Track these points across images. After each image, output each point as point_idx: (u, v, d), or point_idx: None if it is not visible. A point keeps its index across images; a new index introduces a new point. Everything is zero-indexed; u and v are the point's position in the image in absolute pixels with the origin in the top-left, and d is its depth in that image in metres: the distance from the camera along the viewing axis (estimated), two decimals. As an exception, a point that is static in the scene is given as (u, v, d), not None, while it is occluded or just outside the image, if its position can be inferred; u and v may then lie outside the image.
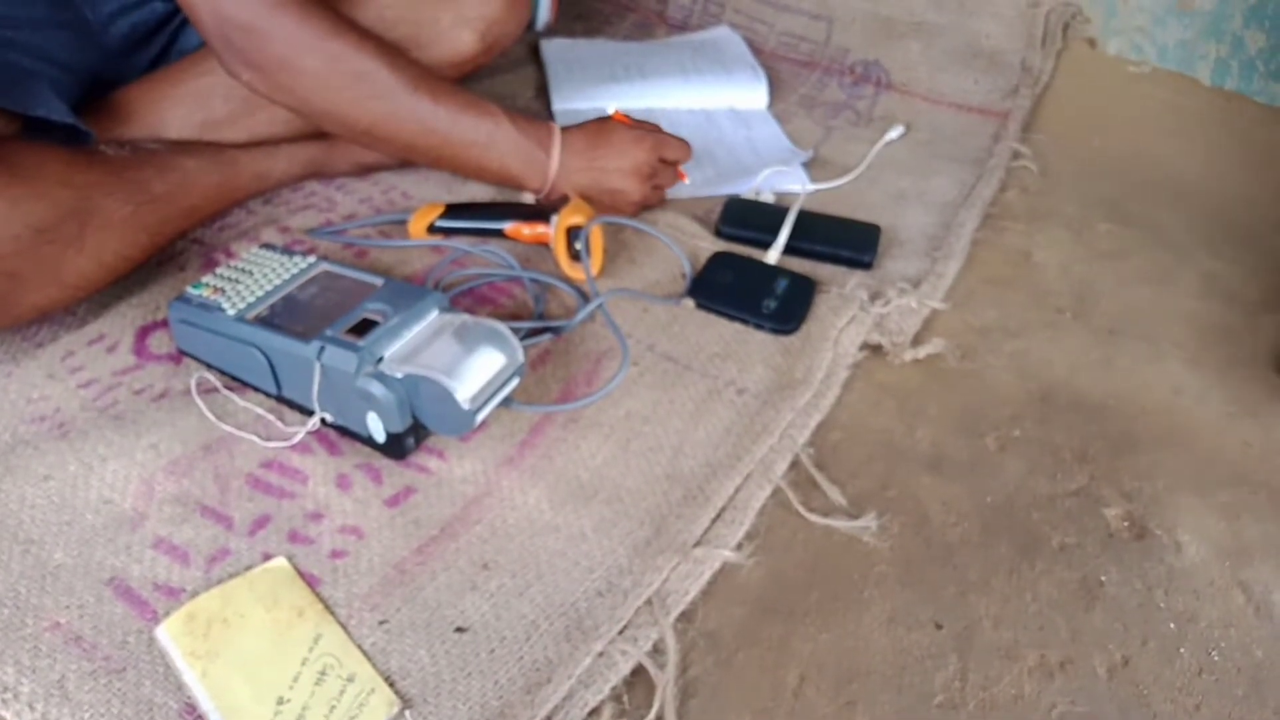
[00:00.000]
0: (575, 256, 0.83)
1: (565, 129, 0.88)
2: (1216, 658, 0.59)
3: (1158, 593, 0.63)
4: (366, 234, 0.88)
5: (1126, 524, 0.67)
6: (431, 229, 0.86)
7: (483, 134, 0.82)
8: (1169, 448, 0.73)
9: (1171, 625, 0.61)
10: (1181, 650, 0.60)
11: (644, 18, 1.36)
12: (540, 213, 0.85)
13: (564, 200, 0.85)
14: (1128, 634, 0.60)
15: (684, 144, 0.92)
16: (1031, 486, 0.70)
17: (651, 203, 0.93)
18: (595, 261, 0.84)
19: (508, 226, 0.86)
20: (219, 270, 0.73)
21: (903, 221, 0.95)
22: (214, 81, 0.83)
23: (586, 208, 0.85)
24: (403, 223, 0.88)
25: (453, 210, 0.87)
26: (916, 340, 0.81)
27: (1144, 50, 1.23)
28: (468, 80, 0.92)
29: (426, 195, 0.93)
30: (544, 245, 0.86)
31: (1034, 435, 0.74)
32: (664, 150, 0.90)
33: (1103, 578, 0.64)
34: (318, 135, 0.90)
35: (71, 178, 0.69)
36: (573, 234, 0.83)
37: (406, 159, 0.89)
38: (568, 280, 0.83)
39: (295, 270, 0.72)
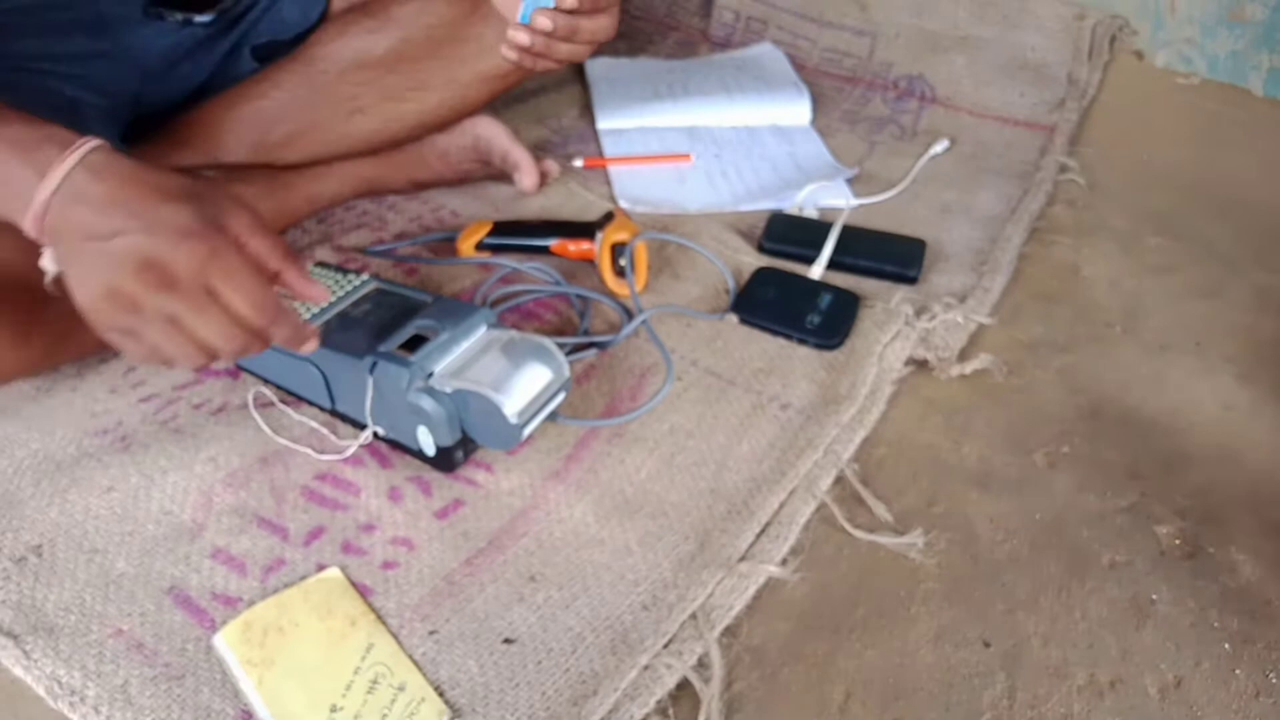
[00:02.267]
0: (620, 272, 0.84)
1: (114, 152, 0.56)
2: (1274, 680, 0.58)
3: (1211, 612, 0.62)
4: (417, 252, 0.90)
5: (1178, 542, 0.66)
6: (479, 246, 0.88)
7: None
8: (1221, 464, 0.72)
9: (1226, 646, 0.60)
10: (1237, 672, 0.58)
11: (687, 35, 1.37)
12: (585, 229, 0.86)
13: (608, 217, 0.86)
14: (1180, 654, 0.59)
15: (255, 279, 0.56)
16: (1081, 503, 0.69)
17: (164, 357, 0.56)
18: (640, 277, 0.84)
19: (553, 243, 0.87)
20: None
21: (948, 236, 0.95)
22: (268, 105, 0.86)
23: (631, 224, 0.86)
24: (451, 240, 0.90)
25: (500, 228, 0.88)
26: (963, 356, 0.81)
27: (1193, 62, 1.21)
28: (511, 94, 0.92)
29: (474, 213, 0.95)
30: (589, 261, 0.87)
31: (1083, 451, 0.73)
32: (220, 266, 0.54)
33: (1154, 596, 0.63)
34: (369, 155, 0.93)
35: None
36: (617, 250, 0.84)
37: None
38: (613, 296, 0.84)
39: (349, 288, 0.74)
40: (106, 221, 0.53)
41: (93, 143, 0.55)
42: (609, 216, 0.86)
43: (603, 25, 0.77)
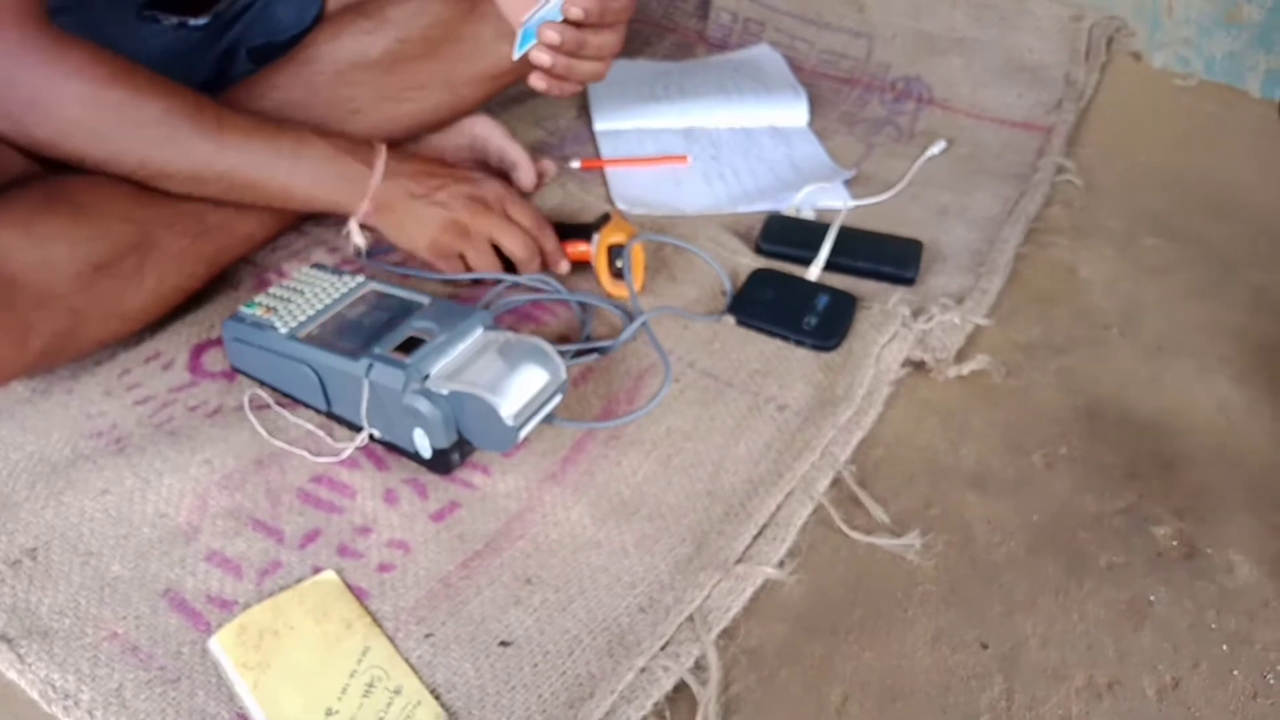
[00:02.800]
0: (617, 274, 0.84)
1: (396, 152, 0.81)
2: (1272, 681, 0.58)
3: (1209, 613, 0.62)
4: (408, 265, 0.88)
5: (1176, 543, 0.66)
6: None
7: (285, 154, 0.75)
8: (1219, 465, 0.72)
9: (1224, 647, 0.60)
10: (1235, 673, 0.58)
11: (684, 37, 1.37)
12: (582, 230, 0.86)
13: (605, 219, 0.86)
14: (1178, 655, 0.59)
15: (529, 208, 0.83)
16: (1078, 505, 0.69)
17: (464, 251, 0.81)
18: (637, 279, 0.84)
19: None
20: (271, 290, 0.75)
21: (945, 237, 0.95)
22: (265, 107, 0.85)
23: (627, 226, 0.85)
24: None
25: None
26: (960, 357, 0.80)
27: (1191, 63, 1.21)
28: (508, 95, 0.92)
29: (470, 215, 0.94)
30: (585, 263, 0.86)
31: (1081, 453, 0.73)
32: (509, 197, 0.83)
33: (1152, 598, 0.63)
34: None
35: (132, 213, 0.71)
36: (614, 252, 0.84)
37: (197, 195, 0.75)
38: (609, 298, 0.84)
39: (345, 290, 0.74)
40: (425, 184, 0.79)
41: (381, 144, 0.79)
42: (605, 218, 0.86)
43: (609, 41, 0.78)
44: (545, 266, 0.84)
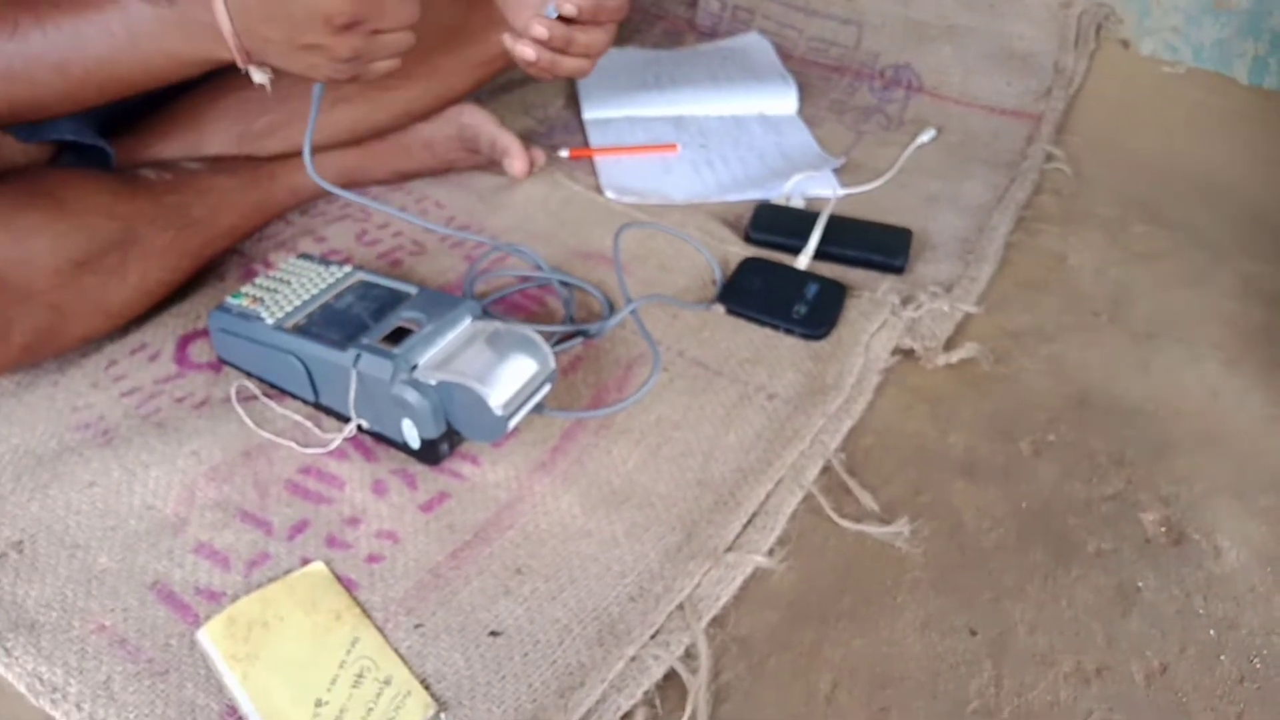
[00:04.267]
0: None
1: None
2: (1259, 665, 0.58)
3: (1196, 599, 0.62)
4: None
5: (1164, 529, 0.67)
6: None
7: (116, 30, 0.65)
8: (1207, 451, 0.72)
9: (1211, 632, 0.60)
10: (1222, 658, 0.59)
11: (673, 25, 1.37)
12: None
13: None
14: (1166, 640, 0.59)
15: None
16: (1067, 491, 0.69)
17: (354, 74, 0.70)
18: None
19: None
20: (258, 280, 0.75)
21: (935, 225, 0.95)
22: (250, 95, 0.85)
23: None
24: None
25: None
26: (949, 345, 0.81)
27: (1179, 50, 1.21)
28: (497, 84, 0.91)
29: (459, 203, 0.94)
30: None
31: (1069, 439, 0.73)
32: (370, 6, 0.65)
33: (1140, 583, 0.63)
34: (353, 145, 0.92)
35: (115, 208, 0.71)
36: None
37: (79, 105, 0.69)
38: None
39: (332, 280, 0.73)
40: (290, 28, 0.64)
41: None
42: None
43: (598, 39, 0.77)
44: None
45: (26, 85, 0.65)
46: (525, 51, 0.75)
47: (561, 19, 0.75)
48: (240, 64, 0.67)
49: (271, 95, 0.81)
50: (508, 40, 0.78)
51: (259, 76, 0.68)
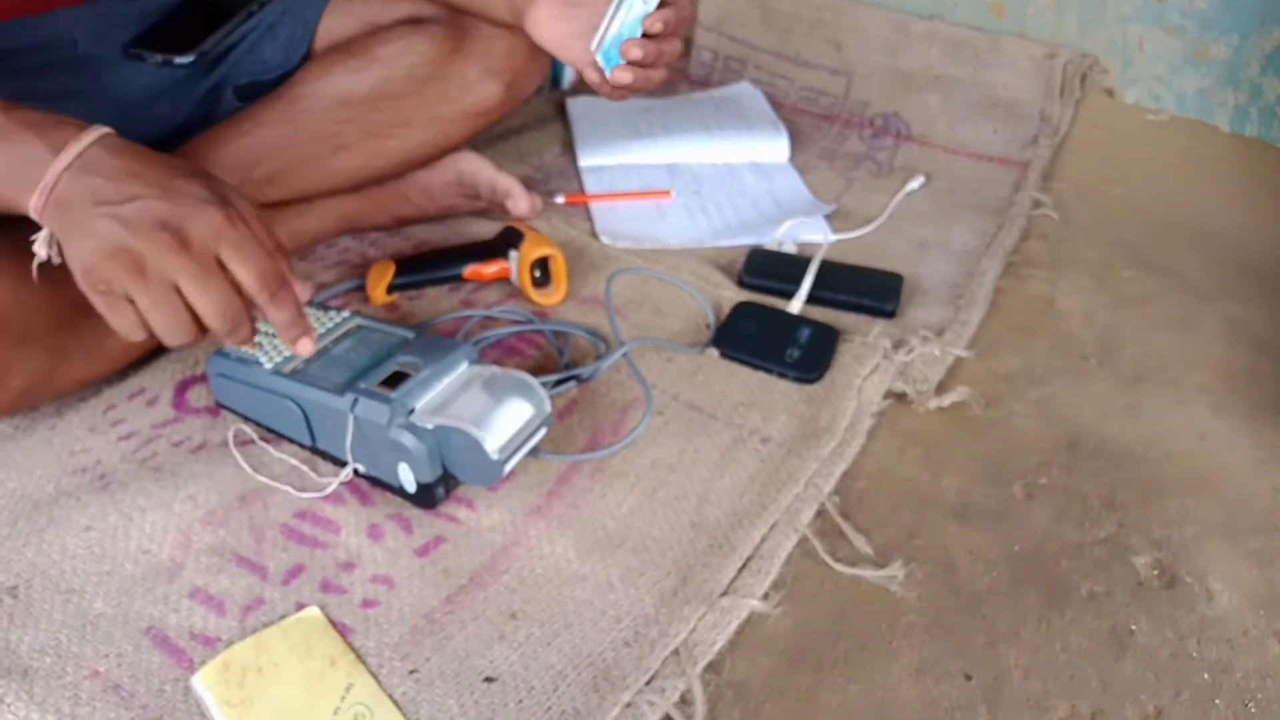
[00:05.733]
0: (539, 284, 0.87)
1: (133, 144, 0.59)
2: (1254, 710, 0.58)
3: (1190, 642, 0.62)
4: (344, 302, 0.88)
5: (1156, 572, 0.67)
6: (390, 289, 0.87)
7: None
8: (1197, 494, 0.73)
9: (1205, 675, 0.60)
10: (1217, 701, 0.59)
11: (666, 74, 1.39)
12: (491, 248, 0.89)
13: (514, 234, 0.88)
14: (1160, 684, 0.60)
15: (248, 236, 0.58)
16: (1059, 534, 0.70)
17: (133, 294, 0.56)
18: (560, 288, 0.88)
19: (466, 269, 0.89)
20: (256, 325, 0.75)
21: (925, 270, 0.96)
22: (252, 142, 0.86)
23: (543, 237, 0.88)
24: (362, 288, 0.89)
25: (404, 265, 0.88)
26: (941, 388, 0.81)
27: (1162, 99, 1.24)
28: (494, 132, 0.93)
29: (456, 250, 0.95)
30: (505, 280, 0.89)
31: (1061, 483, 0.74)
32: (233, 235, 0.56)
33: (1133, 627, 0.63)
34: (351, 191, 0.93)
35: None
36: (535, 264, 0.87)
37: None
38: (533, 303, 0.87)
39: (329, 325, 0.74)
40: (121, 189, 0.55)
41: (107, 130, 0.57)
42: (514, 233, 0.88)
43: (677, 48, 0.80)
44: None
45: None
46: (623, 76, 0.77)
47: (647, 38, 0.78)
48: (33, 212, 0.56)
49: (270, 145, 0.83)
50: (588, 74, 0.80)
51: (40, 248, 0.57)
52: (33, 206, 0.56)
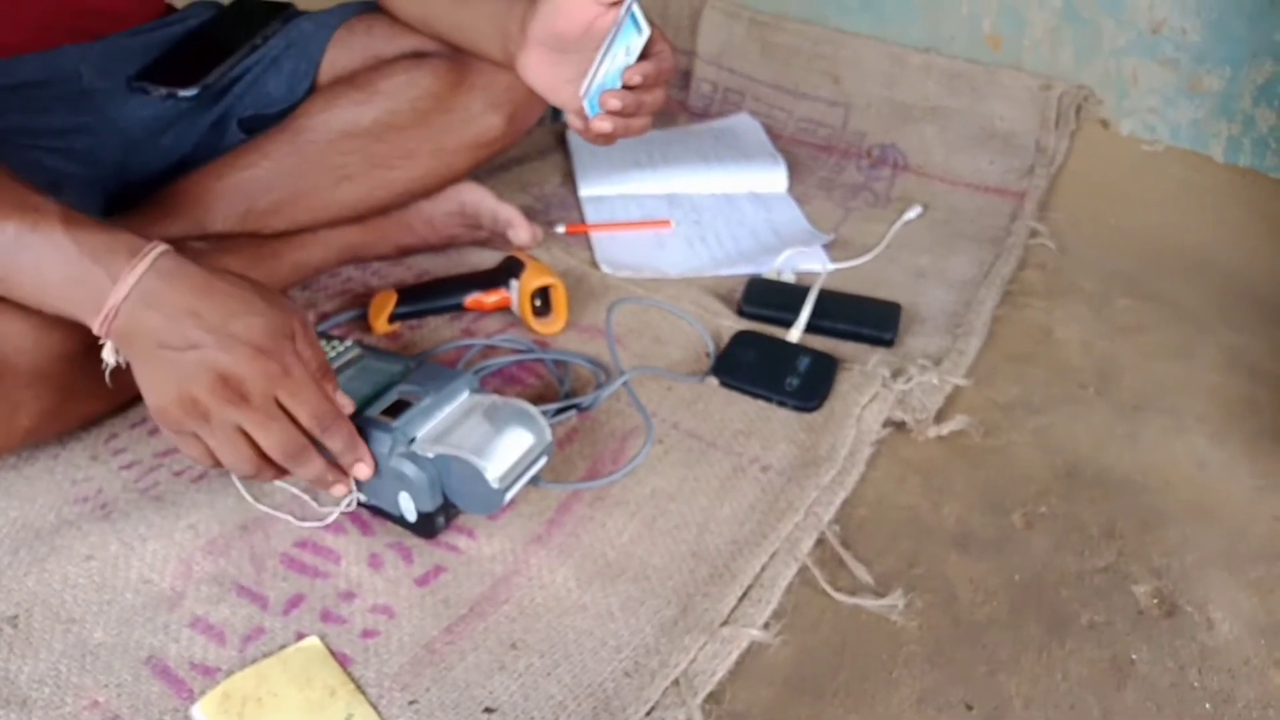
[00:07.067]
0: (539, 314, 0.88)
1: (180, 257, 0.60)
2: (1255, 739, 0.58)
3: (1191, 671, 0.62)
4: (345, 332, 0.89)
5: (1156, 601, 0.67)
6: (391, 319, 0.88)
7: (8, 236, 0.57)
8: (1197, 523, 0.73)
9: (1207, 705, 0.60)
10: (1218, 731, 0.59)
11: (666, 106, 1.41)
12: (492, 278, 0.90)
13: (515, 263, 0.89)
14: (1161, 714, 0.59)
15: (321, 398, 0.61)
16: (1059, 563, 0.70)
17: (203, 435, 0.60)
18: (560, 317, 0.88)
19: (467, 299, 0.90)
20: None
21: (923, 299, 0.97)
22: (256, 174, 0.87)
23: (544, 267, 0.89)
24: (364, 317, 0.90)
25: (406, 295, 0.89)
26: (940, 417, 0.82)
27: (1157, 130, 1.25)
28: (496, 163, 0.94)
29: (457, 279, 0.96)
30: (506, 309, 0.90)
31: (1060, 511, 0.74)
32: (289, 384, 0.59)
33: (1134, 656, 0.63)
34: (355, 222, 0.94)
35: None
36: (536, 293, 0.88)
37: None
38: (534, 332, 0.88)
39: (333, 354, 0.74)
40: (181, 332, 0.57)
41: (160, 248, 0.59)
42: (515, 263, 0.89)
43: (658, 98, 0.81)
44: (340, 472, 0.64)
45: None
46: (602, 125, 0.78)
47: (627, 89, 0.79)
48: (97, 332, 0.59)
49: (274, 176, 0.84)
50: (573, 120, 0.81)
51: (109, 356, 0.60)
52: (95, 328, 0.59)
